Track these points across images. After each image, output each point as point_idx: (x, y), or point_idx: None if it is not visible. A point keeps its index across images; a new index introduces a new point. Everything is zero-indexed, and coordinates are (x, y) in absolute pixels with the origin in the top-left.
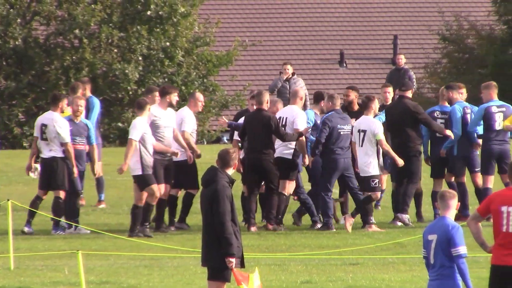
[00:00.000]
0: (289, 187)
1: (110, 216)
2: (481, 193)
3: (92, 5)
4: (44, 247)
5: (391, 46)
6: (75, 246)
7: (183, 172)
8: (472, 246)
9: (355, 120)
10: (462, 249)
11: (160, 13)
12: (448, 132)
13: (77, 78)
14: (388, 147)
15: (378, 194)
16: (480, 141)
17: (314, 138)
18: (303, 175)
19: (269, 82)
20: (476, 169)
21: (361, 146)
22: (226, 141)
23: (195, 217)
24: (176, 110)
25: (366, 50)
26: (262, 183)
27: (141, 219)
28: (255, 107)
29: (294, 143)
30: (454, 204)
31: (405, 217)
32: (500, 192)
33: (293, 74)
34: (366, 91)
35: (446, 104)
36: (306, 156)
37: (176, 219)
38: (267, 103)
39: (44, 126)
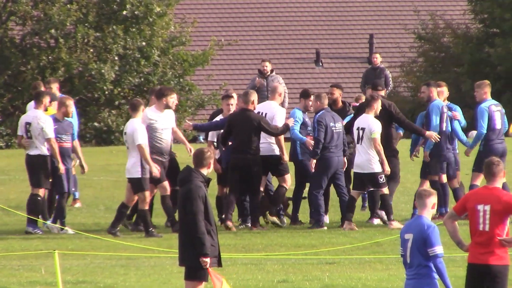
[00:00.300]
0: (287, 179)
1: (86, 216)
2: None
3: (68, 5)
4: (20, 246)
5: (367, 45)
6: (51, 246)
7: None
8: (448, 244)
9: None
10: (438, 249)
11: (136, 12)
12: (428, 134)
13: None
14: (380, 148)
15: (386, 188)
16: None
17: (304, 137)
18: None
19: (245, 82)
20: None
21: (360, 144)
22: (202, 141)
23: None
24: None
25: (342, 49)
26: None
27: (144, 228)
28: (239, 107)
29: (274, 139)
30: (430, 203)
31: (383, 213)
32: (476, 190)
33: (271, 71)
34: None
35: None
36: (285, 153)
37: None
38: (253, 103)
39: (28, 124)
